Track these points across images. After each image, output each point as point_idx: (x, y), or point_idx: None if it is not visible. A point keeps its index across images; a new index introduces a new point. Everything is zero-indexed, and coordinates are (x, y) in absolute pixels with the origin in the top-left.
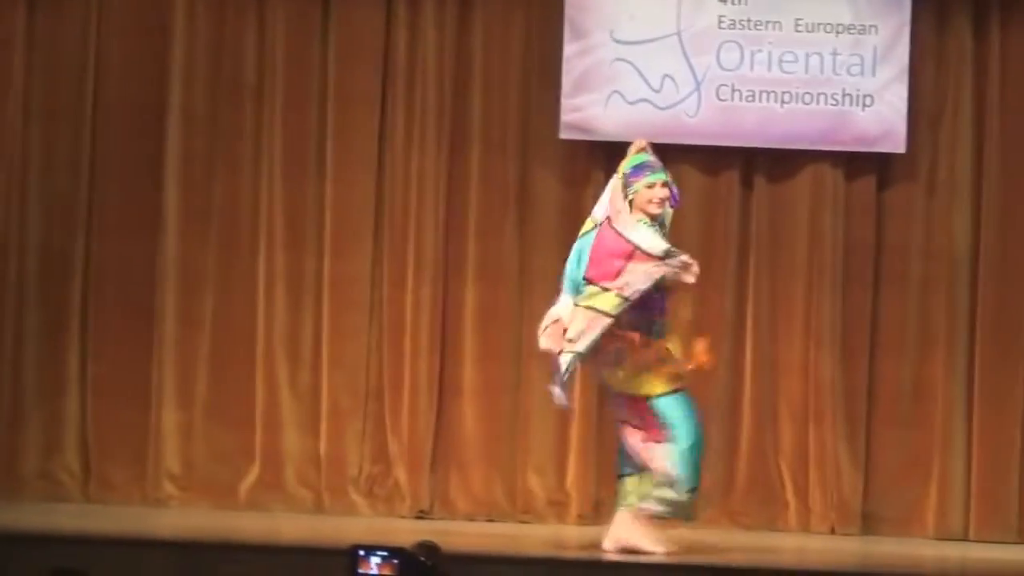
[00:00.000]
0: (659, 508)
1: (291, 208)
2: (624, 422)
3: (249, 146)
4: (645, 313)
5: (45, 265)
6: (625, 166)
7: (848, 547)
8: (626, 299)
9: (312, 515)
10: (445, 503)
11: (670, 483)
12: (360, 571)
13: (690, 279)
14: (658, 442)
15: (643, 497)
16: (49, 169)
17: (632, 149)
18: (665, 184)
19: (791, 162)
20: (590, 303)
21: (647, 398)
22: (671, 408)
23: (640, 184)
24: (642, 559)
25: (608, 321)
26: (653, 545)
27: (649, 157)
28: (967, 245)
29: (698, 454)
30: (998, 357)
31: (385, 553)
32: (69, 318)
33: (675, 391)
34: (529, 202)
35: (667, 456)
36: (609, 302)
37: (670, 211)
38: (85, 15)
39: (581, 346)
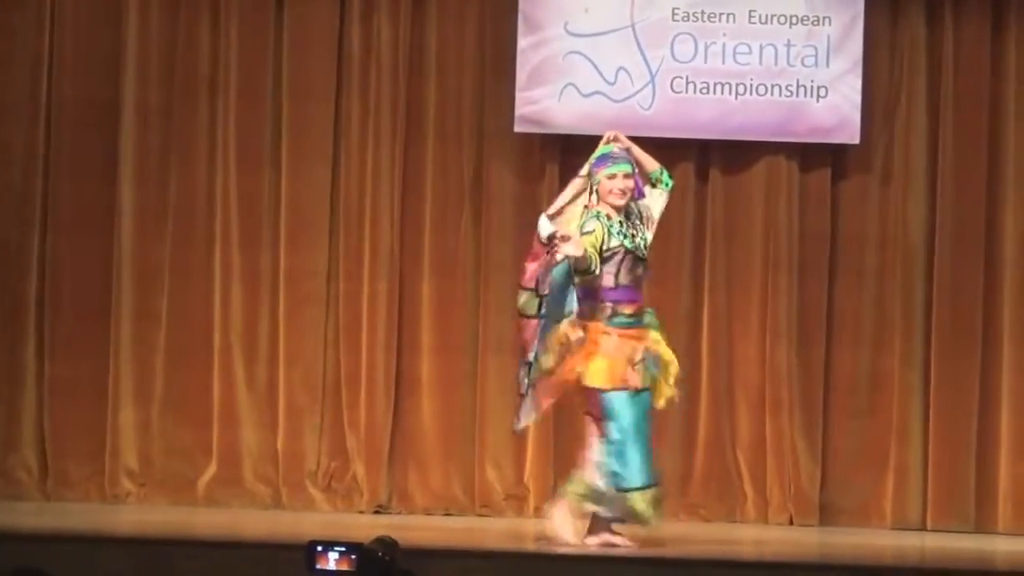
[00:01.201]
0: (582, 501)
1: (246, 203)
2: (586, 412)
3: (204, 140)
4: (590, 301)
5: (0, 261)
6: (591, 158)
7: (806, 538)
8: (534, 291)
9: (270, 510)
10: (403, 497)
11: (596, 477)
12: (317, 567)
13: (569, 251)
14: (598, 435)
15: (573, 486)
16: (3, 165)
17: (602, 140)
18: (628, 176)
19: (746, 154)
20: (519, 309)
21: (598, 390)
22: (613, 403)
23: (602, 175)
24: (600, 552)
25: (534, 322)
26: (572, 537)
27: (613, 148)
28: (922, 235)
29: (636, 455)
30: (954, 347)
31: (343, 548)
32: (25, 315)
33: (624, 388)
34: (484, 195)
35: (598, 451)
36: (525, 301)
37: (660, 204)
38: (39, 9)
39: (529, 355)
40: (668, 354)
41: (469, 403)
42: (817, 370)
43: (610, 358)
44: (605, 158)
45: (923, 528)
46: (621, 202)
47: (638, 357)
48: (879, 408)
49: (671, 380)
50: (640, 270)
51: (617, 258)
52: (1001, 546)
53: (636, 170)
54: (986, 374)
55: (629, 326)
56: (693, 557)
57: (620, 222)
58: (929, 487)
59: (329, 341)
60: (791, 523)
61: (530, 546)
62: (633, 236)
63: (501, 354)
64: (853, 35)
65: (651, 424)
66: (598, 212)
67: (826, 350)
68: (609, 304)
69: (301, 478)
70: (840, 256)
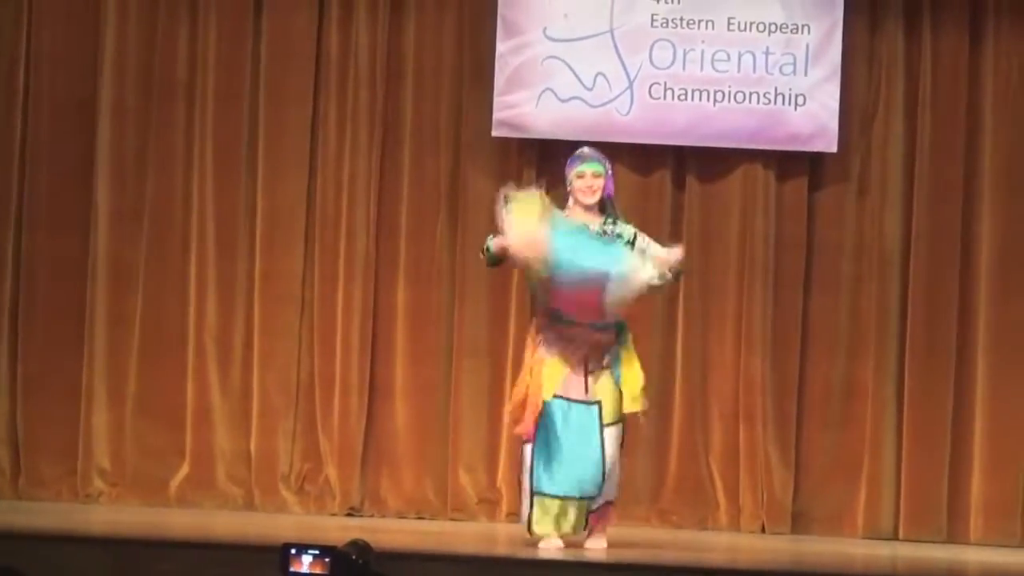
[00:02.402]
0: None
1: (222, 206)
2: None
3: (180, 144)
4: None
5: None
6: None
7: (778, 546)
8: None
9: (242, 512)
10: (376, 501)
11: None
12: (292, 570)
13: (506, 243)
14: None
15: None
16: None
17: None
18: (598, 175)
19: (723, 161)
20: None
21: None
22: (547, 411)
23: (572, 174)
24: (571, 558)
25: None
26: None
27: (584, 149)
28: (898, 245)
29: (552, 465)
30: (928, 357)
31: (316, 551)
32: None
33: (557, 396)
34: (461, 200)
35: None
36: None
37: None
38: (16, 9)
39: None
40: (630, 367)
41: (442, 407)
42: (791, 379)
43: (551, 365)
44: (575, 158)
45: (895, 538)
46: (590, 200)
47: (591, 366)
48: (853, 418)
49: (633, 394)
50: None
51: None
52: (973, 557)
53: (609, 170)
54: (960, 385)
55: (574, 326)
56: (665, 564)
57: (577, 219)
58: (902, 497)
59: (303, 344)
60: (763, 531)
61: (502, 550)
62: None
63: (475, 359)
64: (831, 44)
65: (585, 437)
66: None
67: (800, 359)
68: (554, 304)
69: (274, 480)
70: (816, 265)
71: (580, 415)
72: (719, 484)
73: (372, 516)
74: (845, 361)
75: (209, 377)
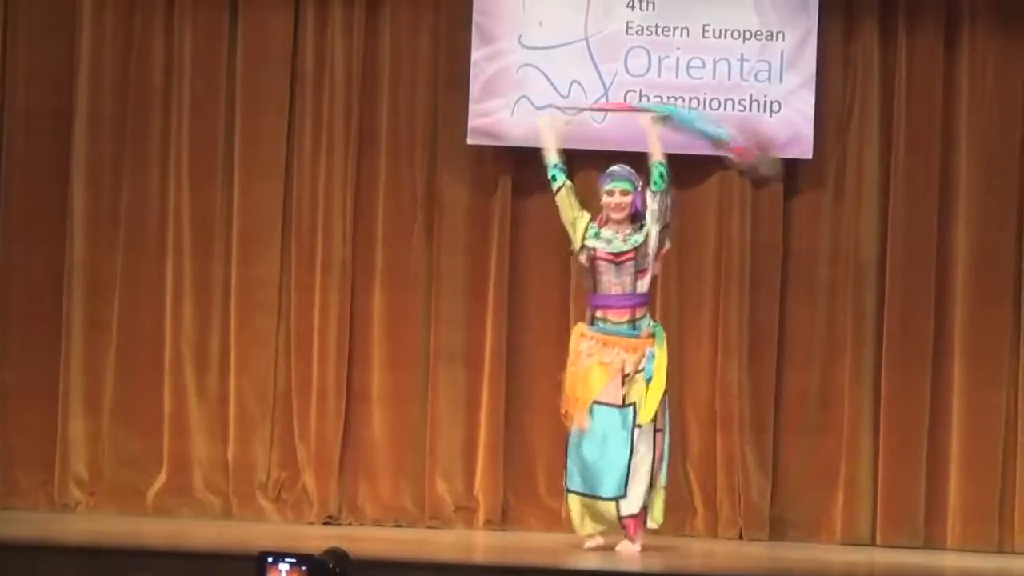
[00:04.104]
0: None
1: (198, 212)
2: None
3: (156, 150)
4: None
5: None
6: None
7: (756, 552)
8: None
9: (220, 520)
10: (353, 509)
11: None
12: None
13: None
14: None
15: None
16: None
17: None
18: (626, 192)
19: (699, 168)
20: None
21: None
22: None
23: (602, 191)
24: (549, 564)
25: None
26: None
27: (615, 167)
28: (873, 250)
29: (585, 465)
30: (904, 363)
31: (293, 559)
32: None
33: (596, 402)
34: (436, 207)
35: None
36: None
37: (653, 208)
38: None
39: None
40: (657, 371)
41: (419, 415)
42: (768, 385)
43: (593, 370)
44: (606, 176)
45: (872, 544)
46: (618, 216)
47: (627, 370)
48: (829, 424)
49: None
50: (627, 276)
51: (593, 261)
52: (950, 562)
53: (638, 187)
54: (936, 390)
55: (609, 333)
56: (642, 571)
57: (607, 231)
58: (879, 503)
59: (280, 352)
60: (741, 537)
61: (479, 558)
62: (609, 241)
63: (452, 366)
64: (806, 50)
65: (617, 440)
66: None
67: (777, 365)
68: (590, 309)
69: (251, 488)
70: (792, 271)
71: (614, 418)
72: (696, 490)
73: (350, 524)
74: (821, 367)
75: (186, 385)
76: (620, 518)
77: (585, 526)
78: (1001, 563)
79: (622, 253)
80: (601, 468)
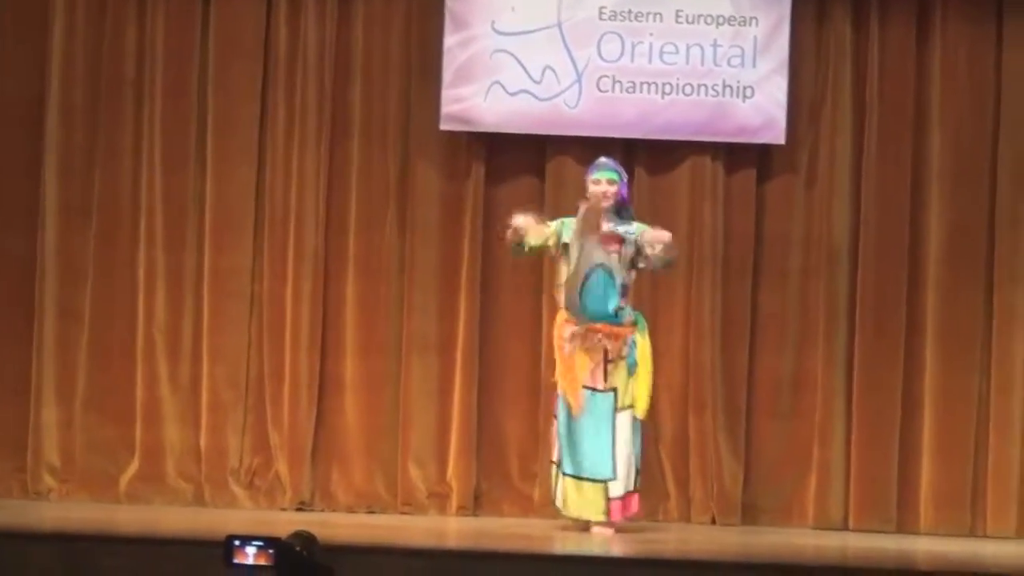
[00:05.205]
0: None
1: (171, 201)
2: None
3: (129, 139)
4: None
5: None
6: None
7: (729, 537)
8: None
9: (192, 507)
10: (326, 495)
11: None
12: (235, 561)
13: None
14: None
15: None
16: None
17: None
18: (612, 182)
19: (671, 153)
20: None
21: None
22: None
23: (589, 181)
24: (522, 549)
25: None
26: None
27: (602, 158)
28: (846, 236)
29: (574, 449)
30: (877, 348)
31: (260, 543)
32: None
33: (584, 387)
34: (410, 194)
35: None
36: None
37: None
38: None
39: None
40: (642, 360)
41: (392, 401)
42: (740, 370)
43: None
44: (593, 167)
45: (845, 528)
46: (605, 204)
47: (611, 356)
48: (802, 408)
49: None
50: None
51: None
52: (922, 546)
53: (624, 178)
54: (909, 376)
55: (593, 320)
56: (615, 555)
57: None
58: (851, 487)
59: (253, 339)
60: (713, 522)
61: (452, 543)
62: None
63: (425, 353)
64: (779, 36)
65: (599, 424)
66: (564, 219)
67: (750, 350)
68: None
69: (224, 475)
70: (764, 256)
71: (599, 403)
72: (669, 475)
73: (322, 511)
74: (794, 352)
75: (158, 372)
76: (608, 500)
77: (571, 509)
78: (973, 547)
79: (609, 235)
80: (590, 451)
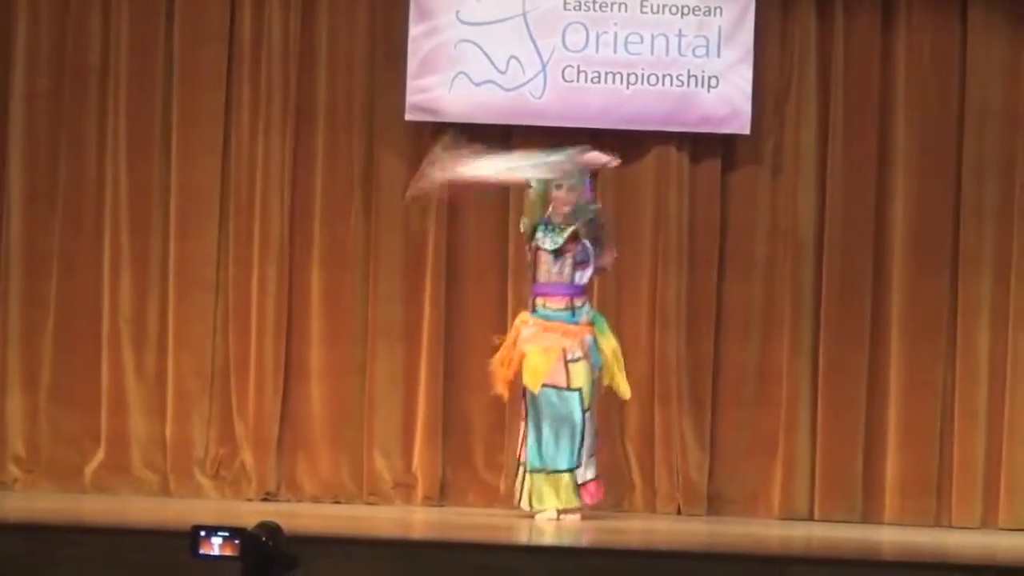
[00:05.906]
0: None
1: (136, 189)
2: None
3: (94, 127)
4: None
5: None
6: None
7: (694, 528)
8: None
9: (158, 497)
10: (292, 485)
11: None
12: (201, 551)
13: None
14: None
15: None
16: None
17: None
18: (573, 188)
19: (636, 143)
20: None
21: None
22: (540, 399)
23: (551, 186)
24: (485, 539)
25: None
26: None
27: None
28: (811, 226)
29: (544, 445)
30: (842, 338)
31: (226, 533)
32: None
33: (546, 385)
34: (374, 183)
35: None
36: None
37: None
38: None
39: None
40: (608, 347)
41: (358, 391)
42: (706, 360)
43: (536, 355)
44: (560, 174)
45: (811, 518)
46: (564, 210)
47: (570, 356)
48: (768, 399)
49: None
50: (566, 268)
51: (536, 252)
52: (887, 536)
53: (588, 181)
54: (874, 365)
55: (549, 319)
56: (580, 546)
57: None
58: (817, 477)
59: (218, 328)
60: (679, 513)
61: (417, 534)
62: (552, 233)
63: (390, 342)
64: (744, 26)
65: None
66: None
67: (715, 340)
68: (532, 297)
69: (189, 465)
70: (729, 247)
71: (564, 400)
72: (634, 465)
73: (288, 501)
74: (759, 342)
75: (124, 362)
76: (578, 486)
77: (543, 501)
78: (938, 537)
79: (560, 246)
80: (555, 444)
